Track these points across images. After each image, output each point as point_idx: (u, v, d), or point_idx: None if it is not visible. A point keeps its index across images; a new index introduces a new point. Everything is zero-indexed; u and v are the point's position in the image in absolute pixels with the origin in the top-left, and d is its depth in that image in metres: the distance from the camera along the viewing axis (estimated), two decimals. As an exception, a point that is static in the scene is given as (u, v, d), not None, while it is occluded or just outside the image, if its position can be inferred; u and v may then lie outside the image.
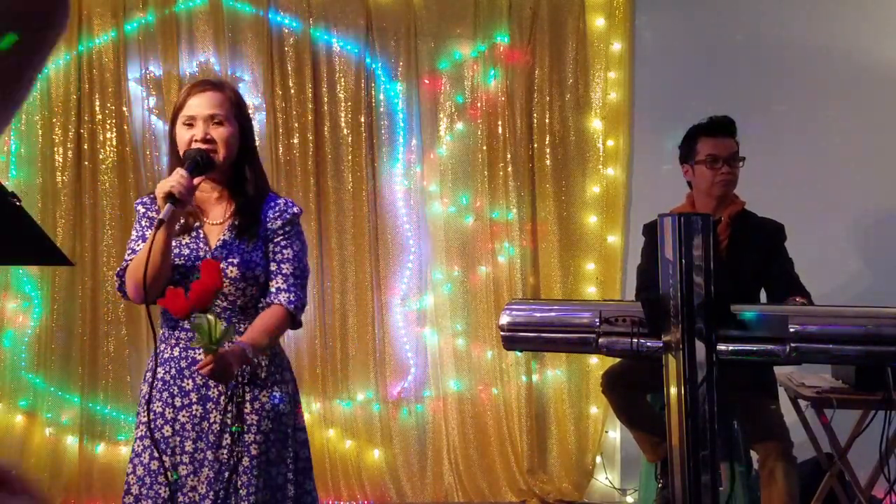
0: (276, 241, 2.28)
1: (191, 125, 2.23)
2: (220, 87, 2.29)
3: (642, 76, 4.51)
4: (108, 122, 4.38)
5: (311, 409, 4.41)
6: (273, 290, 2.26)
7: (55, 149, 4.36)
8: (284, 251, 2.28)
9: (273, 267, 2.27)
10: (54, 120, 4.36)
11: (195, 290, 2.06)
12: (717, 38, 4.48)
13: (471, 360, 4.52)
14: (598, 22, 4.53)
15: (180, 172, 2.12)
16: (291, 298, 2.26)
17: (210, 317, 2.03)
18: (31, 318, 4.37)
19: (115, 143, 4.38)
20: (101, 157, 4.38)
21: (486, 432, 4.47)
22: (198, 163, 2.16)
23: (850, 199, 4.37)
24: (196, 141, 2.20)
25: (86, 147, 4.38)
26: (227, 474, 2.17)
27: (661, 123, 4.40)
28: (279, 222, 2.30)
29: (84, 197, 4.37)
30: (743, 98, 4.31)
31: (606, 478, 4.50)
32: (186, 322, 2.18)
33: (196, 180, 2.16)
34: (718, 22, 4.50)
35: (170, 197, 2.07)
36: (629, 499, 4.42)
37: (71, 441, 4.35)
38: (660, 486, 3.41)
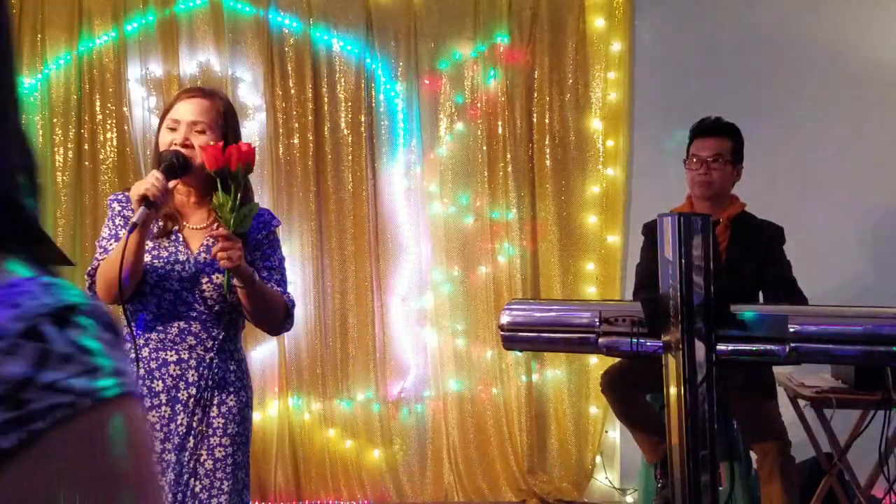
0: (262, 250, 2.30)
1: (174, 129, 2.22)
2: (210, 96, 2.28)
3: (642, 76, 4.51)
4: (109, 122, 4.38)
5: (311, 408, 4.42)
6: None
7: (55, 149, 4.36)
8: (272, 259, 2.33)
9: (265, 273, 2.29)
10: (54, 120, 4.36)
11: (231, 149, 2.11)
12: (717, 39, 4.49)
13: (471, 360, 4.52)
14: (598, 22, 4.53)
15: (155, 175, 2.10)
16: (291, 299, 2.33)
17: (233, 196, 2.10)
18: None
19: (115, 143, 4.38)
20: (101, 157, 4.38)
21: (485, 432, 4.48)
22: (173, 165, 2.14)
23: (850, 198, 4.37)
24: (175, 144, 2.19)
25: (86, 147, 4.38)
26: (185, 477, 2.16)
27: (661, 124, 4.40)
28: (264, 233, 2.31)
29: (84, 197, 4.37)
30: (743, 98, 4.31)
31: (606, 477, 4.50)
32: (159, 324, 2.20)
33: (171, 183, 2.13)
34: (718, 22, 4.50)
35: (144, 200, 2.05)
36: (629, 498, 4.42)
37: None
38: (659, 485, 3.41)
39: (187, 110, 2.22)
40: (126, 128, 4.38)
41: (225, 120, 2.26)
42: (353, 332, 4.45)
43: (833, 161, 4.38)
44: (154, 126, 4.37)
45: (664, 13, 4.54)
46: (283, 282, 2.34)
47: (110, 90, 4.38)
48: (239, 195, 2.12)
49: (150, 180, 2.08)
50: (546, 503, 4.35)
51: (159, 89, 4.38)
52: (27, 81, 4.37)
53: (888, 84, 4.41)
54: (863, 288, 4.35)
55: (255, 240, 2.29)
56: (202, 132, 2.21)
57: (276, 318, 2.31)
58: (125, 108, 4.38)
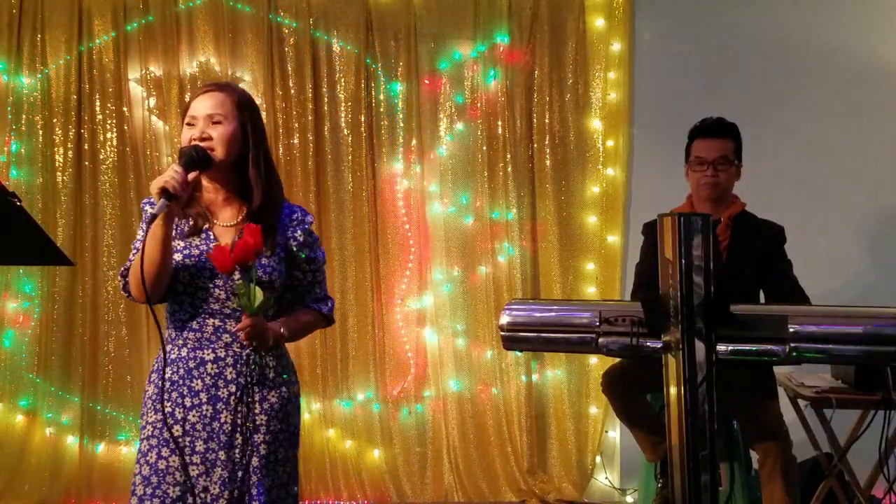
0: (304, 253, 2.33)
1: (192, 125, 2.24)
2: (224, 88, 2.30)
3: (642, 76, 4.52)
4: (109, 122, 4.38)
5: (311, 409, 4.42)
6: (313, 299, 2.39)
7: (55, 149, 4.36)
8: (315, 262, 2.37)
9: (309, 277, 2.36)
10: (55, 120, 4.36)
11: (238, 246, 2.10)
12: (717, 39, 4.49)
13: (471, 360, 4.52)
14: (598, 22, 4.53)
15: (174, 168, 2.12)
16: (330, 306, 2.45)
17: (252, 284, 2.11)
18: (31, 318, 4.38)
19: (115, 143, 4.39)
20: (101, 157, 4.38)
21: (486, 432, 4.48)
22: (192, 157, 2.16)
23: (850, 198, 4.37)
24: (194, 139, 2.21)
25: (86, 147, 4.38)
26: (240, 474, 2.18)
27: (661, 124, 4.40)
28: (300, 233, 2.32)
29: (84, 197, 4.37)
30: (743, 98, 4.32)
31: (606, 477, 4.51)
32: (195, 322, 2.21)
33: (191, 176, 2.14)
34: (718, 22, 4.50)
35: (164, 192, 2.07)
36: (629, 498, 4.42)
37: (71, 441, 4.36)
38: (659, 485, 3.41)
39: (203, 106, 2.24)
40: (126, 128, 4.38)
41: (240, 110, 2.26)
42: (353, 332, 4.45)
43: (833, 161, 4.38)
44: (154, 126, 4.40)
45: (664, 13, 4.54)
46: (323, 282, 2.42)
47: (110, 90, 4.38)
48: (255, 280, 2.14)
49: (170, 173, 2.10)
50: (546, 503, 4.35)
51: (159, 89, 4.38)
52: (27, 81, 4.37)
53: (888, 84, 4.41)
54: (863, 288, 4.35)
55: (295, 240, 2.31)
56: (219, 123, 2.22)
57: (314, 331, 2.49)
58: (125, 108, 4.38)
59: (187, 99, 2.42)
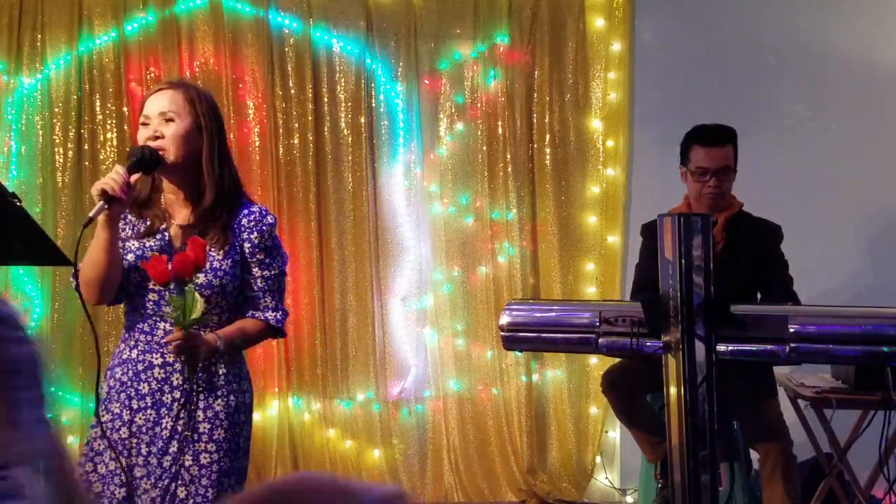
0: (257, 257, 2.23)
1: (146, 125, 2.19)
2: (177, 86, 2.23)
3: (642, 77, 4.51)
4: (109, 122, 4.38)
5: (311, 409, 4.42)
6: (261, 307, 2.25)
7: (56, 149, 4.36)
8: (270, 269, 2.25)
9: (260, 283, 2.24)
10: (55, 120, 4.36)
11: (177, 259, 2.05)
12: (717, 39, 4.49)
13: (471, 360, 4.52)
14: (598, 22, 4.53)
15: (116, 169, 2.08)
16: (279, 317, 2.28)
17: (188, 292, 2.05)
18: (31, 318, 4.37)
19: (115, 143, 4.38)
20: (101, 157, 4.38)
21: (486, 432, 4.48)
22: (138, 159, 2.11)
23: (850, 198, 4.37)
24: (147, 139, 2.16)
25: (86, 147, 4.38)
26: (166, 482, 2.14)
27: (661, 124, 4.40)
28: (255, 235, 2.23)
29: (84, 197, 4.36)
30: (742, 98, 4.32)
31: (606, 478, 4.50)
32: (146, 325, 2.19)
33: (133, 178, 2.09)
34: (718, 22, 4.50)
35: (103, 194, 2.04)
36: (629, 499, 4.42)
37: (71, 441, 4.36)
38: (659, 485, 3.41)
39: (155, 104, 2.19)
40: (126, 128, 4.37)
41: (193, 105, 2.19)
42: (353, 332, 4.45)
43: (833, 160, 4.38)
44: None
45: (664, 13, 4.54)
46: (277, 291, 2.27)
47: (110, 90, 4.38)
48: (194, 296, 2.06)
49: (111, 175, 2.07)
50: (546, 503, 4.35)
51: (159, 89, 4.38)
52: (27, 81, 4.37)
53: (887, 85, 4.41)
54: (862, 288, 4.35)
55: (249, 241, 2.22)
56: (171, 120, 2.16)
57: (259, 342, 2.33)
58: (125, 109, 4.37)
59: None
